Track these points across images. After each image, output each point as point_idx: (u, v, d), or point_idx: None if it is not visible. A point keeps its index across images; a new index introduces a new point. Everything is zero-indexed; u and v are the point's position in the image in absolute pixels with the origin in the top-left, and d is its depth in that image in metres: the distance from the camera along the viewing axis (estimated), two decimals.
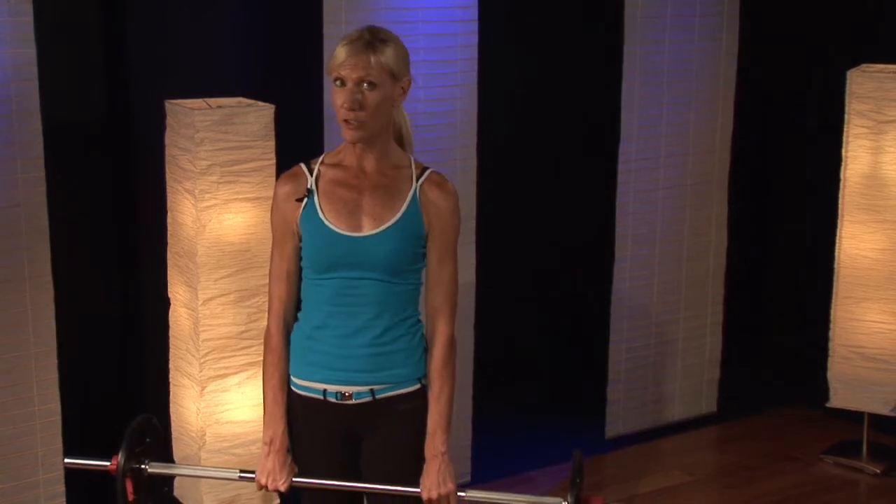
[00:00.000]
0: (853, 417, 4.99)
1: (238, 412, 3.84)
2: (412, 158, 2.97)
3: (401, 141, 3.00)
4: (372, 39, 2.81)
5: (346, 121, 2.81)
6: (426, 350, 2.96)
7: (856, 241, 4.80)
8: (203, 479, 3.81)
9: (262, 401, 3.02)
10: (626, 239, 5.04)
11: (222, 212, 3.73)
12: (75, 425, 4.01)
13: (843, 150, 4.81)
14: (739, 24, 5.15)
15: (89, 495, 3.96)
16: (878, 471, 4.84)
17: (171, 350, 3.95)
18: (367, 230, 2.86)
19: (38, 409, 3.84)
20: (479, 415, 4.72)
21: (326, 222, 2.87)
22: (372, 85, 2.80)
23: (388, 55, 2.81)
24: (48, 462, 3.87)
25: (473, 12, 4.39)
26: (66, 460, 3.16)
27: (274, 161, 3.79)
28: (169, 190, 3.87)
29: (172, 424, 3.97)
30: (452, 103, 4.41)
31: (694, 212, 5.20)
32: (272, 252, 2.98)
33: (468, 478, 4.65)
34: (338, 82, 2.81)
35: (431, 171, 2.95)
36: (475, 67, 4.43)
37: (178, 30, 4.35)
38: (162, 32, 4.33)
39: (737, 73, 5.20)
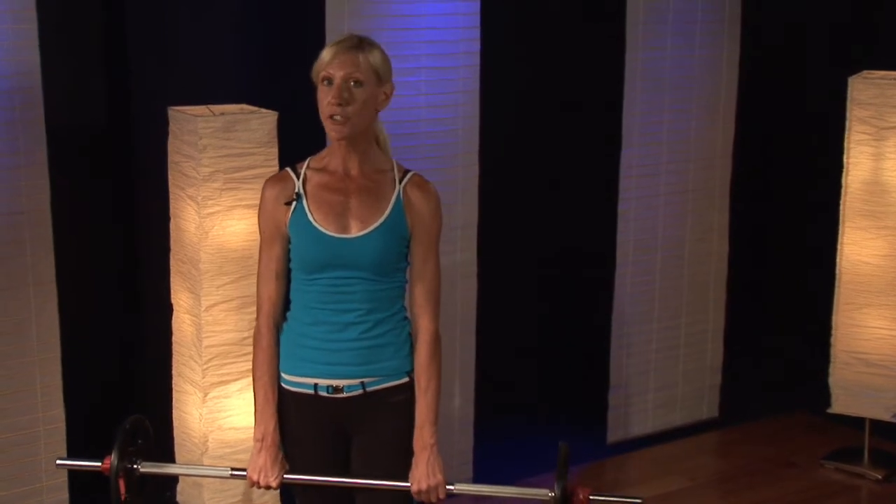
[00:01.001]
0: (854, 423, 4.99)
1: (240, 418, 3.85)
2: (394, 162, 3.04)
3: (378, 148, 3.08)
4: (359, 41, 2.93)
5: (331, 117, 2.88)
6: (413, 346, 3.03)
7: (857, 248, 4.80)
8: (206, 486, 3.82)
9: None
10: (627, 245, 5.05)
11: (225, 218, 3.74)
12: (78, 432, 4.01)
13: (845, 157, 4.81)
14: (741, 30, 5.16)
15: (93, 502, 3.96)
16: (880, 477, 4.84)
17: (174, 356, 3.96)
18: (355, 232, 2.93)
19: (41, 415, 3.85)
20: (480, 420, 4.73)
21: (316, 224, 2.94)
22: (359, 83, 2.89)
23: (375, 56, 2.93)
24: (52, 469, 3.87)
25: (475, 19, 4.40)
26: (58, 462, 3.17)
27: (277, 168, 3.79)
28: (172, 196, 3.88)
29: (175, 430, 3.97)
30: (455, 109, 4.42)
31: (695, 218, 5.20)
32: (260, 253, 3.03)
33: (469, 482, 4.64)
34: (325, 82, 2.90)
35: (413, 174, 3.02)
36: (477, 74, 4.44)
37: (181, 37, 4.36)
38: (164, 40, 4.33)
39: (738, 80, 5.20)
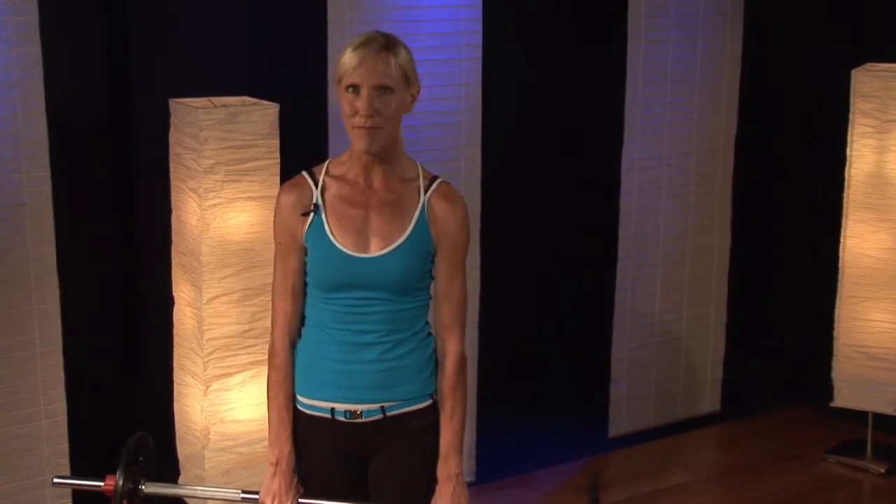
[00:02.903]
0: (857, 417, 4.98)
1: (242, 411, 3.84)
2: (420, 168, 2.83)
3: None
4: (385, 42, 2.70)
5: (358, 128, 2.69)
6: (437, 366, 2.86)
7: (860, 241, 4.79)
8: (207, 481, 3.80)
9: (265, 399, 2.93)
10: (629, 238, 5.04)
11: (227, 210, 3.73)
12: (79, 425, 4.00)
13: (848, 150, 4.80)
14: (743, 23, 5.15)
15: (96, 496, 3.95)
16: (882, 470, 4.84)
17: (175, 349, 3.95)
18: (375, 250, 2.76)
19: (43, 408, 3.84)
20: (482, 414, 4.72)
21: (334, 242, 2.76)
22: (389, 90, 2.68)
23: (403, 57, 2.71)
24: (54, 462, 3.87)
25: (477, 11, 4.40)
26: (55, 480, 3.02)
27: (278, 160, 3.78)
28: (173, 189, 3.87)
29: (176, 423, 3.96)
30: (457, 102, 4.41)
31: (697, 211, 5.20)
32: (275, 265, 2.85)
33: (472, 477, 4.65)
34: (350, 89, 2.69)
35: (440, 183, 2.82)
36: (479, 66, 4.43)
37: (182, 29, 4.35)
38: (165, 31, 4.32)
39: (740, 72, 5.19)
